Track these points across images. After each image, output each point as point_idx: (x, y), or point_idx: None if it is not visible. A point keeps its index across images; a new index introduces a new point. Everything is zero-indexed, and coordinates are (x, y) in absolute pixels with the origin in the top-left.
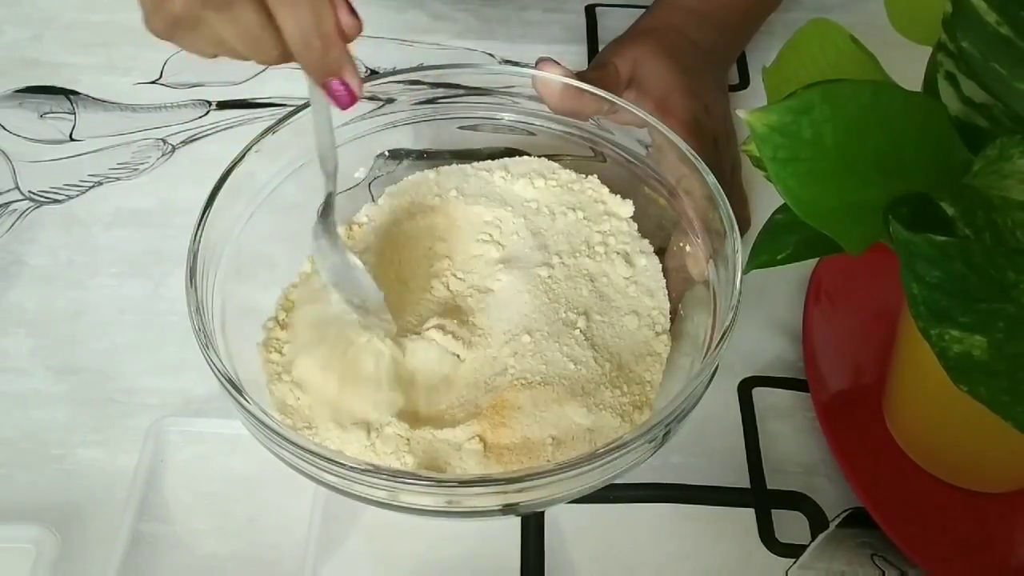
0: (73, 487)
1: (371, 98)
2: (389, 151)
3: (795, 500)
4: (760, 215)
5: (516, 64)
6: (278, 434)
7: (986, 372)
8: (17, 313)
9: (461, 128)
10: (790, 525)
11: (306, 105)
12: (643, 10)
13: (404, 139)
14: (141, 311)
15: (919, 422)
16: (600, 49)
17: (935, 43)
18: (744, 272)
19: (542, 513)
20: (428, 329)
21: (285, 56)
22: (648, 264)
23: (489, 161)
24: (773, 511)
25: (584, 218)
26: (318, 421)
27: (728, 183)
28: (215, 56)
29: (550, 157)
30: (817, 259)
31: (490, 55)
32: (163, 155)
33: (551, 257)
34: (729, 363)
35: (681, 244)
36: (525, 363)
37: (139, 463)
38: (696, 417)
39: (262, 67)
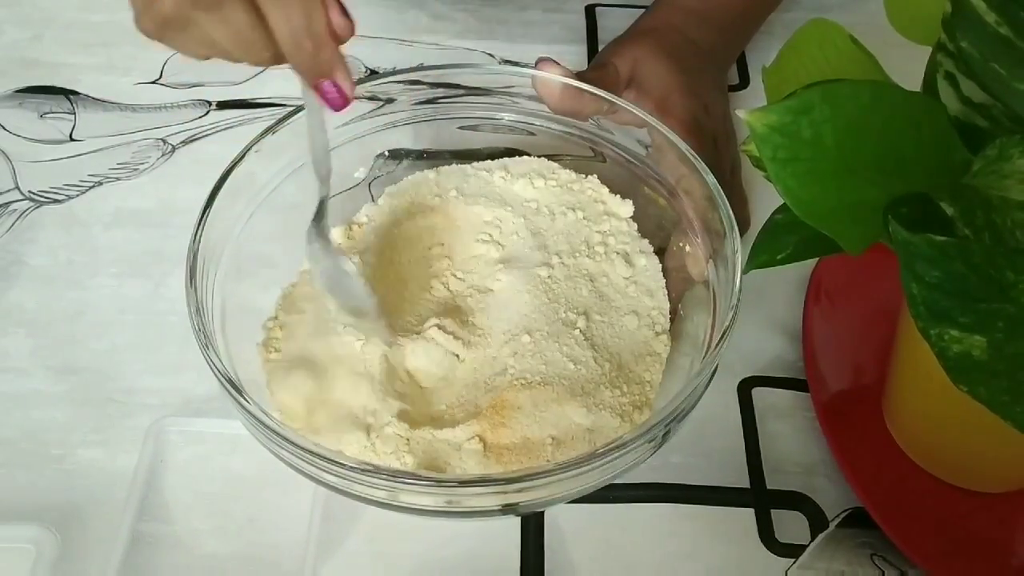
0: (73, 487)
1: (371, 98)
2: (389, 151)
3: (795, 500)
4: (760, 215)
5: (516, 64)
6: (278, 434)
7: (986, 372)
8: (17, 313)
9: (461, 128)
10: (790, 525)
11: None
12: (643, 10)
13: (404, 139)
14: (141, 311)
15: (919, 422)
16: (600, 49)
17: (935, 43)
18: (744, 272)
19: (542, 513)
20: (428, 329)
21: (277, 57)
22: (648, 264)
23: (489, 161)
24: (773, 511)
25: (584, 218)
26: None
27: (728, 183)
28: (207, 58)
29: (550, 157)
30: (817, 259)
31: (490, 55)
32: (163, 155)
33: (551, 257)
34: (729, 363)
35: (681, 244)
36: (525, 363)
37: (139, 463)
38: (696, 417)
39: (259, 68)
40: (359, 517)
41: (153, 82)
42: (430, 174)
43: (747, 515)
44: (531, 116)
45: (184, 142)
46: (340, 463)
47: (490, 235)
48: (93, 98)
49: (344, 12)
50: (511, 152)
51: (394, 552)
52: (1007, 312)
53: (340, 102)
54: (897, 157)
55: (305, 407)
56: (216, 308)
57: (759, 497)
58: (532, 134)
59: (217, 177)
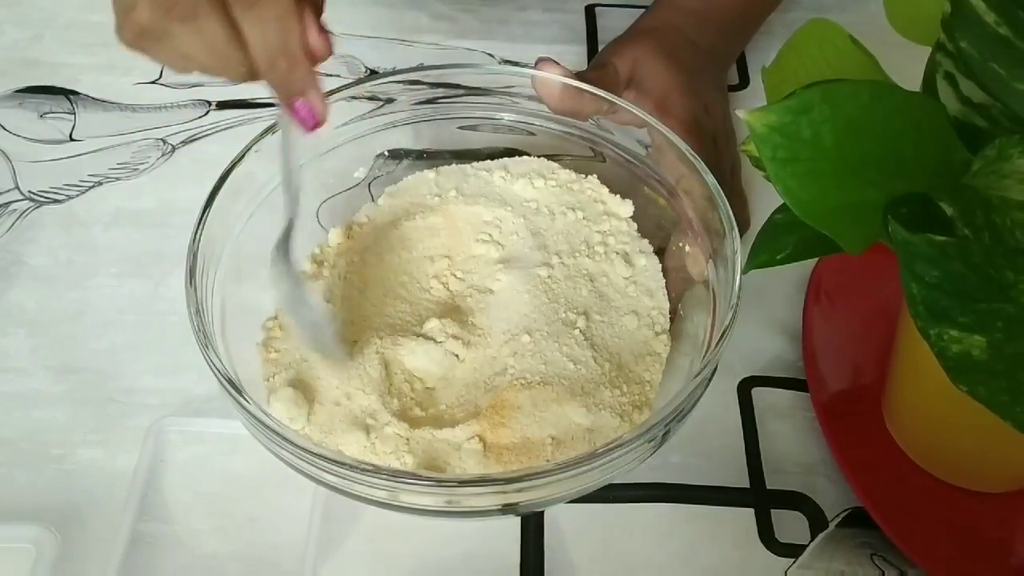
0: (73, 487)
1: (371, 98)
2: (389, 151)
3: (795, 500)
4: (760, 215)
5: (516, 64)
6: (278, 434)
7: (985, 372)
8: (17, 313)
9: (461, 128)
10: (790, 525)
11: None
12: (643, 10)
13: (404, 139)
14: (141, 311)
15: (919, 422)
16: (600, 49)
17: (934, 43)
18: (743, 272)
19: (542, 513)
20: (427, 329)
21: (253, 73)
22: (648, 264)
23: (489, 161)
24: (773, 511)
25: (584, 218)
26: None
27: (727, 183)
28: (187, 70)
29: (550, 157)
30: (817, 259)
31: (490, 55)
32: (163, 155)
33: (551, 257)
34: (729, 363)
35: (681, 244)
36: (525, 363)
37: (139, 463)
38: (696, 417)
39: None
40: (359, 517)
41: (153, 82)
42: (430, 174)
43: (747, 515)
44: (531, 116)
45: (184, 142)
46: (340, 463)
47: (490, 235)
48: (93, 98)
49: (323, 32)
50: (511, 152)
51: (394, 552)
52: (1007, 312)
53: (312, 122)
54: (897, 157)
55: (305, 407)
56: (216, 308)
57: (759, 497)
58: (532, 134)
59: (217, 177)
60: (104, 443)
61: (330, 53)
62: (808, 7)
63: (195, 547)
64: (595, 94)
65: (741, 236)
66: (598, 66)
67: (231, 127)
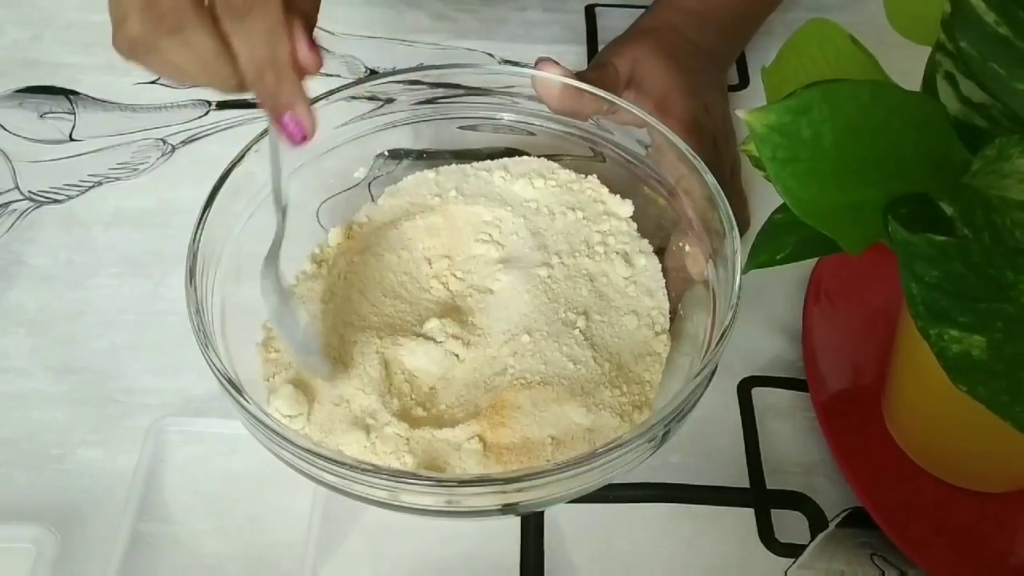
0: (73, 487)
1: (371, 98)
2: (389, 151)
3: (795, 500)
4: (760, 215)
5: (516, 64)
6: (278, 434)
7: (985, 372)
8: (17, 313)
9: (461, 128)
10: (790, 525)
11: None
12: (643, 10)
13: (404, 139)
14: (141, 311)
15: (919, 422)
16: (600, 49)
17: (934, 43)
18: (743, 272)
19: (542, 513)
20: (427, 329)
21: (243, 85)
22: (647, 264)
23: (489, 161)
24: (773, 511)
25: (584, 218)
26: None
27: (727, 183)
28: (180, 81)
29: (550, 157)
30: (817, 259)
31: (490, 55)
32: (163, 155)
33: (551, 257)
34: (729, 363)
35: (681, 244)
36: (524, 363)
37: (139, 463)
38: (696, 417)
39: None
40: (359, 517)
41: (153, 82)
42: (430, 174)
43: (747, 515)
44: (531, 116)
45: (184, 142)
46: (340, 463)
47: (490, 235)
48: (93, 98)
49: (312, 46)
50: (511, 152)
51: (394, 552)
52: (1006, 312)
53: (299, 137)
54: (897, 157)
55: (305, 407)
56: (216, 308)
57: (759, 497)
58: (532, 134)
59: (217, 177)
60: (104, 443)
61: (319, 67)
62: (808, 7)
63: (195, 547)
64: (595, 94)
65: (741, 236)
66: (598, 66)
67: (231, 127)
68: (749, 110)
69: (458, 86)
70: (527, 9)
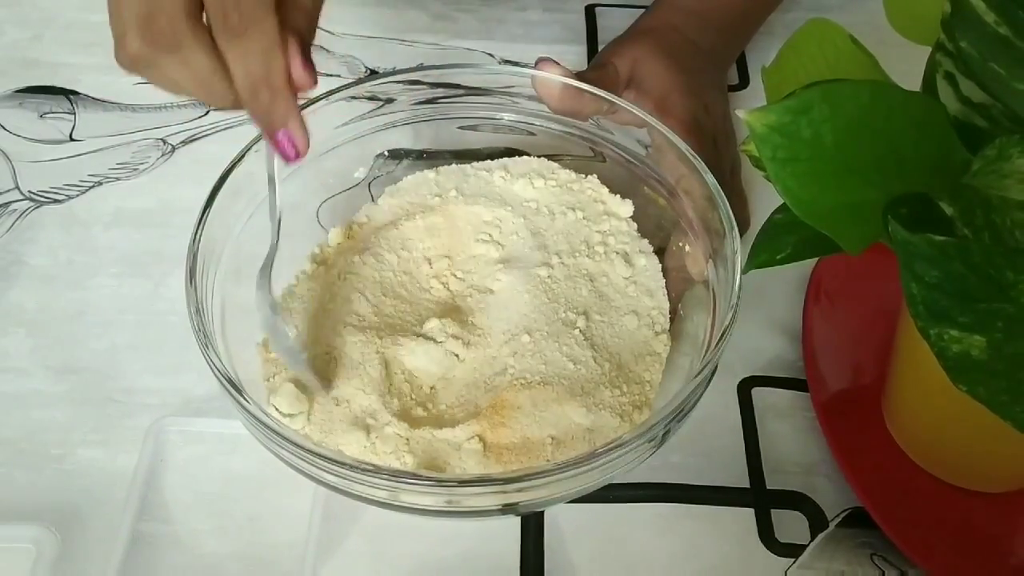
0: (73, 487)
1: (371, 98)
2: (389, 151)
3: (795, 500)
4: (760, 215)
5: (516, 64)
6: (278, 434)
7: (985, 372)
8: (17, 313)
9: (461, 128)
10: (790, 525)
11: (307, 103)
12: (643, 10)
13: (404, 139)
14: (141, 311)
15: (919, 422)
16: (600, 49)
17: (934, 43)
18: (743, 272)
19: (542, 513)
20: (427, 329)
21: (239, 102)
22: (648, 264)
23: (489, 161)
24: (773, 511)
25: (584, 218)
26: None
27: (727, 183)
28: (178, 95)
29: (550, 157)
30: (817, 259)
31: (490, 55)
32: (163, 155)
33: (551, 257)
34: (729, 363)
35: (681, 244)
36: (525, 363)
37: (139, 463)
38: (696, 417)
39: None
40: (359, 517)
41: None
42: (430, 174)
43: (747, 515)
44: (531, 116)
45: (184, 142)
46: (340, 463)
47: (490, 235)
48: (93, 98)
49: (307, 65)
50: (511, 152)
51: (394, 552)
52: (1006, 312)
53: (292, 154)
54: (897, 157)
55: (305, 407)
56: (216, 308)
57: (759, 497)
58: (532, 134)
59: (217, 177)
60: (104, 443)
61: (313, 86)
62: (808, 7)
63: (195, 547)
64: (595, 94)
65: (741, 236)
66: (598, 66)
67: (231, 127)
68: (749, 110)
69: (458, 86)
70: (527, 9)
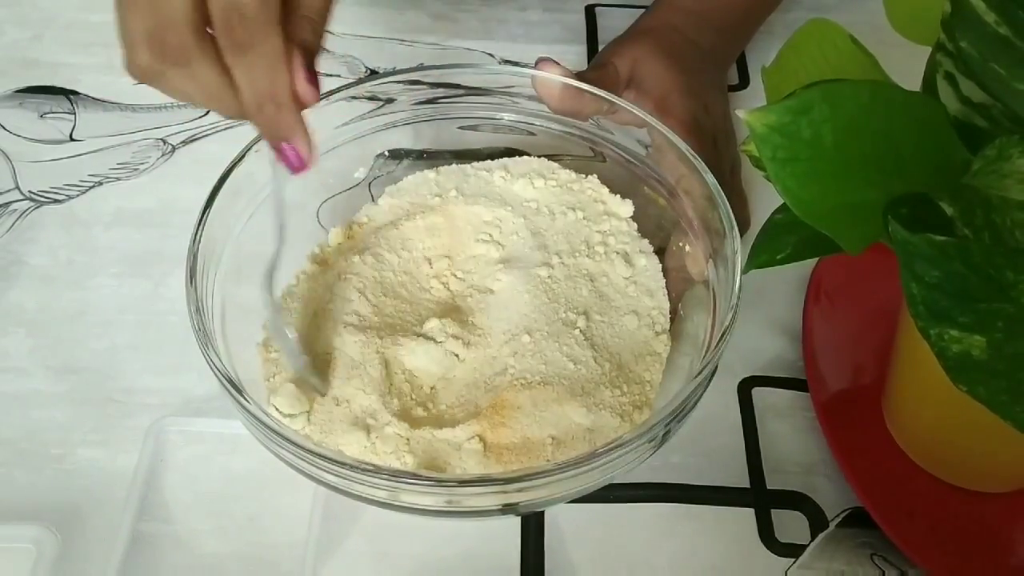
0: (73, 487)
1: (371, 98)
2: (389, 151)
3: (795, 500)
4: (760, 215)
5: (516, 64)
6: (278, 434)
7: (985, 372)
8: (17, 313)
9: (461, 128)
10: (790, 525)
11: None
12: (643, 10)
13: (404, 139)
14: (141, 311)
15: (919, 422)
16: (600, 49)
17: (934, 43)
18: (744, 272)
19: (542, 513)
20: (428, 329)
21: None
22: (648, 264)
23: (489, 161)
24: (773, 511)
25: (584, 218)
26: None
27: (728, 183)
28: (188, 104)
29: (550, 157)
30: (817, 259)
31: (490, 55)
32: (163, 155)
33: (551, 257)
34: (729, 363)
35: (681, 244)
36: (525, 363)
37: (139, 463)
38: (696, 417)
39: None
40: (359, 517)
41: None
42: (430, 174)
43: (747, 515)
44: (531, 116)
45: (184, 142)
46: (340, 463)
47: (490, 235)
48: (93, 98)
49: (311, 79)
50: (511, 152)
51: (394, 552)
52: (1007, 312)
53: (298, 166)
54: (897, 157)
55: (305, 407)
56: (216, 308)
57: (759, 497)
58: (532, 134)
59: (217, 177)
60: (104, 443)
61: (317, 100)
62: (808, 7)
63: (195, 547)
64: (595, 94)
65: (741, 236)
66: (598, 66)
67: (231, 127)
68: (749, 110)
69: (458, 86)
70: (527, 9)
